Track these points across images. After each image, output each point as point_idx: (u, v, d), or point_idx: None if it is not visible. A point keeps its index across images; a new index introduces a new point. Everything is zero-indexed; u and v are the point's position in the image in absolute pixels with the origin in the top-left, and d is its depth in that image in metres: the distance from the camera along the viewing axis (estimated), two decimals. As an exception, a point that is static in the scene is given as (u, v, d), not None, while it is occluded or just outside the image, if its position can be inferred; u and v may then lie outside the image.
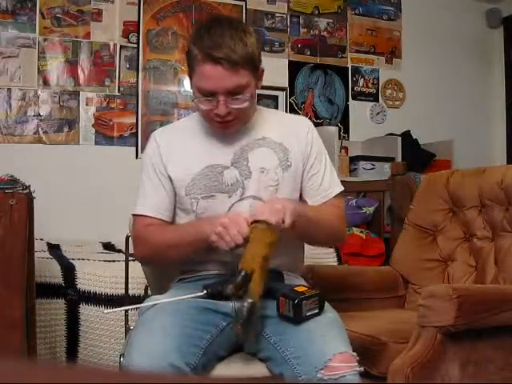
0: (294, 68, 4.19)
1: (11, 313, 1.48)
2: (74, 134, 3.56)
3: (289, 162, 1.44)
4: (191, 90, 1.44)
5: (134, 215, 1.48)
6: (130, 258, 1.78)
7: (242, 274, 1.17)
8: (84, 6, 3.62)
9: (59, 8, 3.56)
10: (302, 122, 1.54)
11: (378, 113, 4.42)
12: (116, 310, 1.91)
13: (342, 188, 1.52)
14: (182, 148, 1.46)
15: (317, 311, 1.25)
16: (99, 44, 3.65)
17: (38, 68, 3.49)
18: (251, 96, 1.36)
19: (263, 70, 1.42)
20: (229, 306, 1.33)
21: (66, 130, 3.54)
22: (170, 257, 1.41)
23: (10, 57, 3.44)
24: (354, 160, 4.04)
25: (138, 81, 3.73)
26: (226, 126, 1.38)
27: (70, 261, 2.27)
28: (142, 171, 1.49)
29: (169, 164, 1.44)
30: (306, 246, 1.61)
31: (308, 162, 1.47)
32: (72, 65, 3.57)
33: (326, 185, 1.48)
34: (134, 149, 3.68)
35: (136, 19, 3.75)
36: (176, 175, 1.43)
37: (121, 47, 3.71)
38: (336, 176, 1.52)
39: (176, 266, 1.52)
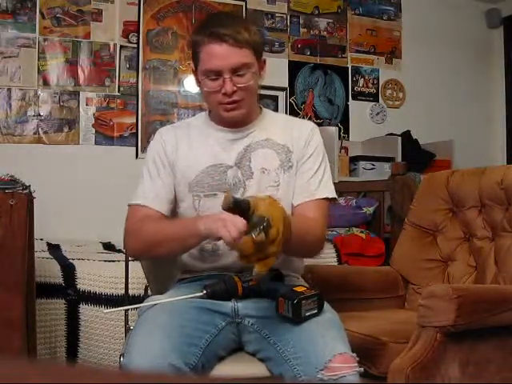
0: (294, 68, 4.19)
1: (11, 313, 1.48)
2: (74, 134, 3.56)
3: (290, 163, 1.45)
4: (196, 89, 1.45)
5: (129, 206, 1.45)
6: (130, 258, 1.78)
7: (264, 219, 1.08)
8: (84, 6, 3.62)
9: (59, 8, 3.56)
10: (307, 125, 1.53)
11: (378, 113, 4.42)
12: (116, 309, 1.91)
13: (334, 195, 1.47)
14: (187, 146, 1.47)
15: (316, 311, 1.25)
16: (99, 44, 3.65)
17: (38, 68, 3.49)
18: (255, 81, 1.38)
19: (265, 61, 1.45)
20: (228, 306, 1.33)
21: (65, 130, 3.54)
22: (162, 251, 1.37)
23: (10, 57, 3.43)
24: (353, 160, 4.03)
25: (138, 81, 3.73)
26: (233, 108, 1.38)
27: (70, 261, 2.27)
28: (143, 165, 1.49)
29: (175, 159, 1.45)
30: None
31: (302, 159, 1.46)
32: (72, 65, 3.57)
33: (314, 185, 1.45)
34: (134, 149, 3.68)
35: (136, 19, 3.75)
36: (181, 172, 1.45)
37: (121, 47, 3.71)
38: (331, 184, 1.48)
39: (175, 266, 1.52)
